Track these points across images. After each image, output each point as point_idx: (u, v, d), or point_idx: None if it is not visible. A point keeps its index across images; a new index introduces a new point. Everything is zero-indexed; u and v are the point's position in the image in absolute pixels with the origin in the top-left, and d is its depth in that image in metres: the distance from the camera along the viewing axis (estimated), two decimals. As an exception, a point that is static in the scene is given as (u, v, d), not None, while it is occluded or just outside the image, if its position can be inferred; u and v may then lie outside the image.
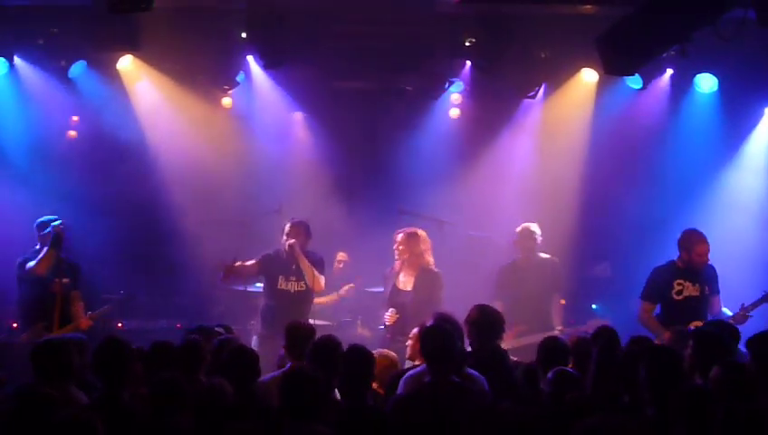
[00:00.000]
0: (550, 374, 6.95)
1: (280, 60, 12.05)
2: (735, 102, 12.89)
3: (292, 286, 10.79)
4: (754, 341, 7.21)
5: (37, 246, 10.52)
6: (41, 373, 6.98)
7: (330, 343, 7.50)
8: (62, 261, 10.45)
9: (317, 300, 11.46)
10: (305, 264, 10.76)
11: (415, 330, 8.46)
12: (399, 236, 10.81)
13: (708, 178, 12.99)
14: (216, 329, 8.54)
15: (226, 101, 12.92)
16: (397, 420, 6.14)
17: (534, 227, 11.50)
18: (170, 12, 11.19)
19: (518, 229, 11.56)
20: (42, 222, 10.60)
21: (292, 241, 10.72)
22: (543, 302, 11.33)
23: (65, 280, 10.40)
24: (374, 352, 7.71)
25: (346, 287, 12.38)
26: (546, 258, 11.53)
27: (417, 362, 8.12)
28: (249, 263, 10.82)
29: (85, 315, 10.50)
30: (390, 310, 10.64)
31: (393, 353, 8.50)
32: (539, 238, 11.46)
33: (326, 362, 7.19)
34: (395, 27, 12.16)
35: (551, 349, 7.65)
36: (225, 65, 12.57)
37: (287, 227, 10.83)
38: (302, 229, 10.80)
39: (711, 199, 12.81)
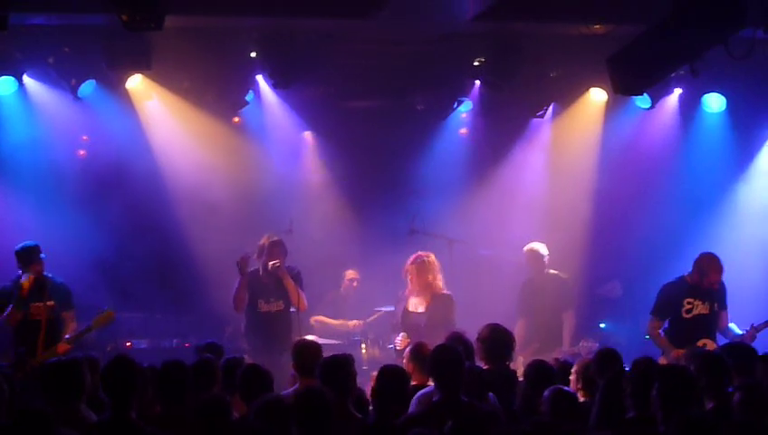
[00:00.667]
0: (546, 393, 6.94)
1: (290, 79, 12.07)
2: (744, 122, 12.92)
3: (272, 307, 10.82)
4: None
5: (20, 274, 10.23)
6: (50, 393, 6.97)
7: (341, 360, 7.51)
8: (46, 282, 10.23)
9: (331, 321, 11.48)
10: (291, 285, 10.77)
11: (407, 349, 8.45)
12: (409, 266, 10.79)
13: (717, 197, 13.00)
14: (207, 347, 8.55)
15: (235, 122, 12.92)
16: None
17: (539, 247, 11.54)
18: (180, 31, 11.20)
19: (524, 250, 11.59)
20: (18, 250, 10.32)
21: (277, 262, 10.68)
22: (554, 319, 11.41)
23: (49, 303, 10.17)
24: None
25: (354, 323, 12.33)
26: (556, 275, 11.57)
27: (414, 382, 8.12)
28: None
29: (63, 339, 10.09)
30: (402, 334, 10.63)
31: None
32: (545, 257, 11.50)
33: (337, 380, 7.18)
34: (404, 46, 12.19)
35: (538, 371, 7.63)
36: (235, 85, 12.57)
37: (266, 246, 10.76)
38: (283, 248, 10.77)
39: (720, 218, 12.81)
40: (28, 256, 10.23)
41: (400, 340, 10.59)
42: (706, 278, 10.37)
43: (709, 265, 10.41)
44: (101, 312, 10.19)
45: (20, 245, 10.34)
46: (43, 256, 10.27)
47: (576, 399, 7.07)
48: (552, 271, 11.58)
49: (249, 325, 10.96)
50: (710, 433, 5.91)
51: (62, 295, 10.33)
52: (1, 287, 10.33)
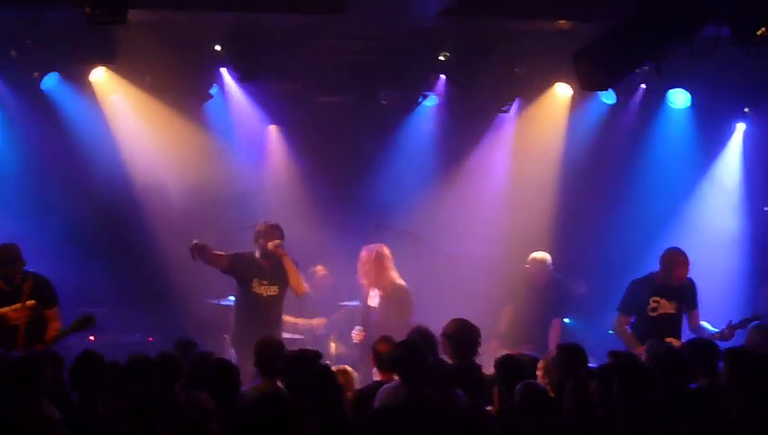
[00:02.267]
0: (518, 387, 6.95)
1: (255, 73, 12.02)
2: (708, 118, 13.00)
3: (265, 290, 10.65)
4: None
5: None
6: (10, 387, 6.90)
7: (305, 357, 7.49)
8: (27, 280, 9.69)
9: (296, 320, 11.48)
10: (291, 266, 10.59)
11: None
12: (362, 255, 10.79)
13: (682, 192, 13.07)
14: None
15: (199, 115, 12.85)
16: (373, 432, 6.11)
17: (544, 256, 11.56)
18: (144, 24, 11.13)
19: (529, 259, 11.59)
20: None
21: (279, 242, 10.54)
22: (546, 321, 11.49)
23: (29, 302, 9.59)
24: (334, 367, 7.72)
25: (317, 321, 12.26)
26: (560, 280, 11.62)
27: (378, 378, 8.12)
28: (218, 252, 10.62)
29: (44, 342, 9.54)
30: (357, 328, 10.64)
31: (349, 369, 8.46)
32: (550, 266, 11.57)
33: (301, 377, 7.16)
34: (371, 41, 12.19)
35: (509, 366, 7.64)
36: (199, 78, 12.51)
37: (263, 229, 10.61)
38: (280, 231, 10.61)
39: (685, 214, 12.88)
40: (8, 259, 9.69)
41: (356, 333, 10.62)
42: (672, 273, 10.42)
43: (674, 259, 10.46)
44: (82, 316, 9.70)
45: None
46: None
47: (547, 394, 7.07)
48: (556, 275, 11.62)
49: (240, 310, 10.73)
50: (661, 423, 5.97)
51: (43, 292, 9.77)
52: None
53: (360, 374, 9.58)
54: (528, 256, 11.68)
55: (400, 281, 10.75)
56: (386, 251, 10.81)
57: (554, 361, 7.79)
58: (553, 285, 11.62)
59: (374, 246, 10.84)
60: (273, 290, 10.65)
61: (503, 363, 7.59)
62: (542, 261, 11.55)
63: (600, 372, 7.07)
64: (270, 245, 10.52)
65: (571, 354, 7.71)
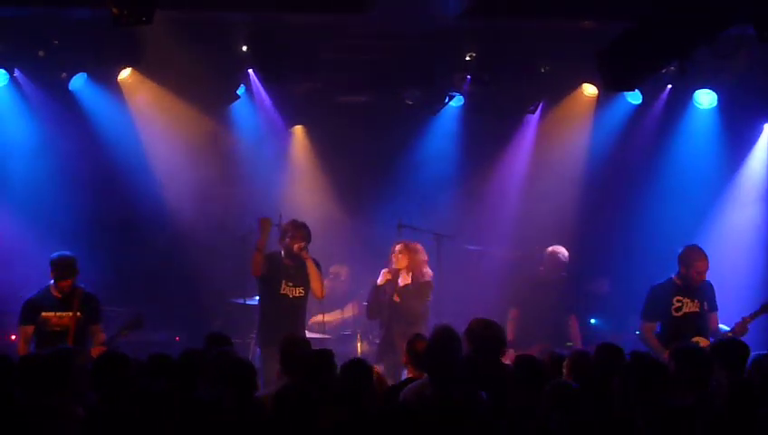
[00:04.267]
0: (548, 388, 6.94)
1: (280, 73, 12.06)
2: (735, 118, 12.93)
3: (291, 292, 10.68)
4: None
5: (50, 284, 10.03)
6: (36, 386, 6.96)
7: (324, 356, 7.53)
8: (77, 293, 10.02)
9: (322, 317, 11.50)
10: (314, 270, 10.63)
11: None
12: (398, 246, 10.85)
13: (707, 193, 13.01)
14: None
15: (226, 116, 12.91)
16: (397, 431, 6.13)
17: (560, 249, 11.56)
18: (171, 25, 11.18)
19: (546, 251, 11.59)
20: (51, 259, 10.02)
21: (303, 244, 10.55)
22: (561, 318, 11.48)
23: (78, 314, 9.94)
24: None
25: (348, 311, 12.30)
26: (568, 277, 11.61)
27: (410, 375, 8.13)
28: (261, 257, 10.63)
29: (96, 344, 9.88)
30: (384, 270, 10.81)
31: (379, 370, 8.49)
32: (565, 261, 11.57)
33: (320, 376, 7.19)
34: (396, 41, 12.19)
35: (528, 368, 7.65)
36: (226, 78, 12.56)
37: (290, 228, 10.60)
38: (306, 232, 10.62)
39: (711, 215, 12.82)
40: (62, 268, 9.97)
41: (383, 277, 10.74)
42: (693, 268, 10.35)
43: (693, 254, 10.41)
44: (132, 317, 10.12)
45: (57, 254, 10.07)
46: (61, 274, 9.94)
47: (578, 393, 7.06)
48: (566, 272, 11.62)
49: (267, 310, 10.71)
50: (688, 425, 5.96)
51: (91, 308, 10.09)
52: (31, 300, 10.06)
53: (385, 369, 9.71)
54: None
55: (430, 277, 10.82)
56: (422, 248, 10.99)
57: (581, 358, 7.77)
58: (566, 282, 11.60)
59: (413, 242, 10.93)
60: (299, 291, 10.66)
61: (520, 364, 7.61)
62: (553, 254, 11.54)
63: (621, 371, 7.06)
64: (295, 247, 10.55)
65: (610, 355, 7.68)
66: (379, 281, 10.88)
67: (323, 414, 6.41)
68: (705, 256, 10.40)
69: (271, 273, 10.61)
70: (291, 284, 10.63)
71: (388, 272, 10.91)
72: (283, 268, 10.63)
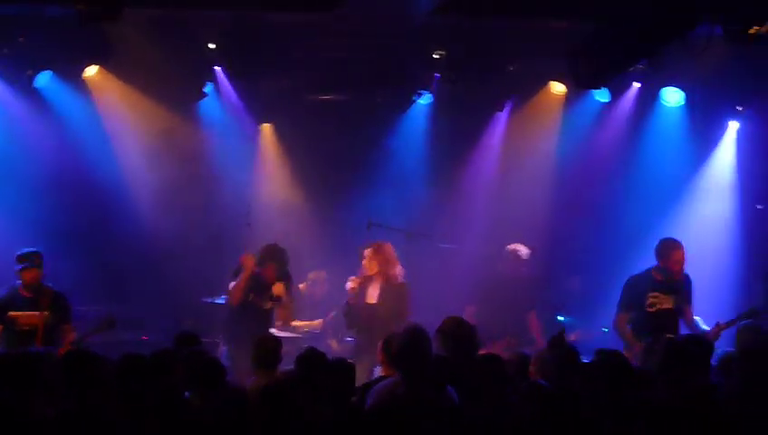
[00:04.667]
0: (524, 386, 6.96)
1: (248, 70, 12.02)
2: (701, 116, 13.03)
3: (264, 304, 10.71)
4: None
5: (18, 283, 9.95)
6: (6, 385, 6.89)
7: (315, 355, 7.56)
8: (46, 292, 9.95)
9: (299, 323, 11.51)
10: (288, 304, 10.81)
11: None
12: (367, 251, 10.82)
13: (675, 190, 13.08)
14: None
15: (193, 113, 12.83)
16: (370, 431, 6.11)
17: (520, 248, 11.57)
18: (138, 22, 11.12)
19: (506, 249, 11.60)
20: (19, 255, 9.93)
21: (282, 293, 10.64)
22: (522, 316, 11.47)
23: (47, 313, 9.86)
24: None
25: (316, 323, 12.26)
26: (528, 276, 11.62)
27: (383, 374, 8.13)
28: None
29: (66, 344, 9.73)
30: (352, 278, 10.74)
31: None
32: (525, 259, 11.57)
33: (311, 375, 7.20)
34: (365, 39, 12.16)
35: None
36: (193, 76, 12.50)
37: (267, 254, 10.66)
38: (279, 257, 10.68)
39: (678, 212, 12.90)
40: (26, 258, 9.90)
41: (350, 284, 10.69)
42: (671, 260, 10.39)
43: (669, 245, 10.47)
44: (104, 318, 10.08)
45: (23, 249, 9.98)
46: (25, 265, 9.88)
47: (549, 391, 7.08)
48: (524, 269, 11.63)
49: (234, 312, 10.75)
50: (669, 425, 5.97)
51: (60, 307, 10.00)
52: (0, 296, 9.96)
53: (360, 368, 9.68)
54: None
55: (401, 277, 10.80)
56: (389, 246, 10.92)
57: (545, 356, 7.79)
58: (525, 279, 11.61)
59: (377, 242, 10.89)
60: (267, 304, 10.72)
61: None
62: (512, 252, 11.57)
63: (586, 370, 7.08)
64: (275, 290, 10.58)
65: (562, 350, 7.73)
66: (348, 290, 10.81)
67: (308, 412, 6.41)
68: (681, 245, 10.47)
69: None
70: (265, 295, 10.63)
71: (357, 279, 10.82)
72: (255, 282, 10.61)
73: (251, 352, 8.09)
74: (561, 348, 7.78)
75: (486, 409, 7.13)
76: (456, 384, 7.46)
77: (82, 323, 10.17)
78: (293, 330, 11.62)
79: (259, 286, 10.65)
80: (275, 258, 10.61)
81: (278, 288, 10.61)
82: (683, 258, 10.43)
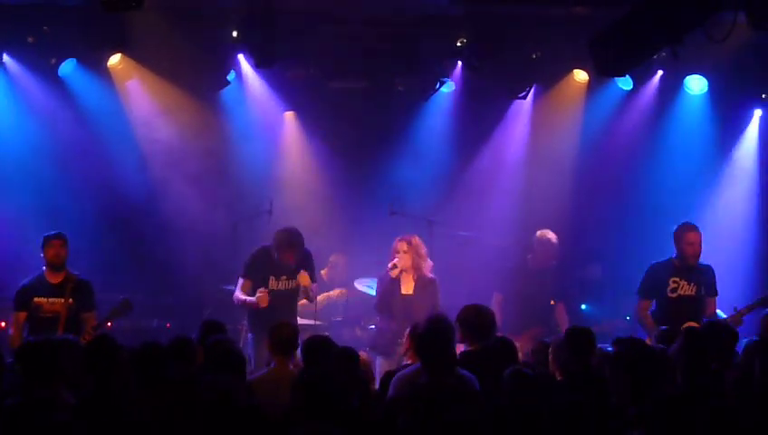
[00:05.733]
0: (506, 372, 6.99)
1: (271, 59, 12.02)
2: (725, 104, 12.94)
3: (283, 285, 10.67)
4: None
5: (43, 270, 10.04)
6: (28, 375, 6.95)
7: (322, 342, 7.57)
8: (71, 279, 10.01)
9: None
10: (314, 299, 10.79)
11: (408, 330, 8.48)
12: (401, 245, 10.77)
13: (698, 178, 13.02)
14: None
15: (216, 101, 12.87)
16: (393, 420, 6.14)
17: (551, 235, 11.55)
18: (161, 10, 11.17)
19: (536, 235, 11.59)
20: (44, 236, 10.07)
21: (306, 279, 10.55)
22: (549, 306, 11.48)
23: (70, 300, 9.93)
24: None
25: (338, 291, 12.29)
26: (556, 265, 11.61)
27: (409, 362, 8.15)
28: (245, 282, 10.66)
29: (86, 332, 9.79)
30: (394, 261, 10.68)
31: (363, 354, 8.50)
32: (556, 247, 11.55)
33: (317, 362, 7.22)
34: (387, 27, 12.16)
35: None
36: (216, 64, 12.52)
37: (284, 241, 10.50)
38: (295, 241, 10.57)
39: (702, 200, 12.84)
40: (51, 238, 10.01)
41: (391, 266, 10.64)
42: (683, 241, 10.36)
43: (682, 228, 10.46)
44: (119, 302, 10.07)
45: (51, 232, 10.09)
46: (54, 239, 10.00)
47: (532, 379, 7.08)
48: (554, 262, 11.61)
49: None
50: (686, 413, 5.96)
51: (84, 294, 10.06)
52: (25, 283, 10.06)
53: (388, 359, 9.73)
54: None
55: (430, 272, 10.81)
56: (420, 241, 10.86)
57: (562, 344, 7.80)
58: (555, 270, 11.61)
59: (409, 236, 10.87)
60: (292, 283, 10.66)
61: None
62: (542, 241, 11.55)
63: (611, 359, 7.07)
64: (301, 280, 10.51)
65: (578, 338, 7.73)
66: (393, 274, 10.78)
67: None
68: (695, 228, 10.44)
69: (257, 272, 10.62)
70: (284, 277, 10.61)
71: (396, 266, 10.80)
72: (272, 265, 10.61)
73: (269, 341, 8.10)
74: (577, 336, 7.79)
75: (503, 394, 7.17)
76: (476, 372, 7.49)
77: (105, 310, 10.21)
78: (315, 315, 11.64)
79: (280, 272, 10.62)
80: (292, 244, 10.54)
81: (304, 279, 10.54)
82: (696, 240, 10.39)
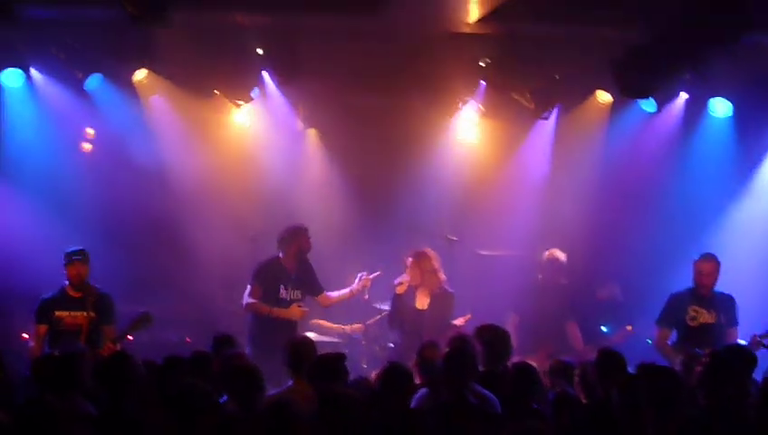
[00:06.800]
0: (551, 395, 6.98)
1: (294, 75, 12.08)
2: (749, 127, 12.85)
3: (291, 295, 10.75)
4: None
5: (65, 284, 10.14)
6: (45, 385, 6.99)
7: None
8: (92, 292, 10.13)
9: (330, 325, 11.59)
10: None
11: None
12: (409, 260, 10.83)
13: (722, 202, 12.95)
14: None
15: (239, 118, 12.93)
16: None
17: (559, 254, 11.54)
18: (187, 27, 11.22)
19: (545, 255, 11.57)
20: (66, 252, 10.17)
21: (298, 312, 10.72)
22: (562, 326, 11.45)
23: (91, 314, 10.04)
24: None
25: (352, 327, 12.16)
26: (566, 285, 11.58)
27: (417, 380, 8.15)
28: (256, 289, 10.76)
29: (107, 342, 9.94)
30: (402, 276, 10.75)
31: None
32: (564, 265, 11.52)
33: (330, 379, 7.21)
34: (411, 45, 12.19)
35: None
36: (241, 80, 12.58)
37: (298, 236, 10.75)
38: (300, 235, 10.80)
39: (725, 224, 12.77)
40: (73, 255, 10.11)
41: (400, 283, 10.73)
42: (696, 271, 10.35)
43: (699, 258, 10.45)
44: (140, 314, 10.12)
45: (72, 247, 10.18)
46: (76, 258, 10.09)
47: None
48: (565, 281, 11.59)
49: (255, 318, 10.81)
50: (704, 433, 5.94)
51: (105, 308, 10.16)
52: (47, 296, 10.17)
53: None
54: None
55: (446, 284, 10.79)
56: (432, 252, 10.95)
57: (591, 366, 7.77)
58: (566, 289, 11.60)
59: (420, 249, 10.88)
60: (297, 294, 10.75)
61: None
62: (551, 260, 11.58)
63: (629, 384, 7.05)
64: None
65: (608, 361, 7.70)
66: (398, 290, 10.83)
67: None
68: (711, 258, 10.44)
69: (268, 282, 10.72)
70: (291, 287, 10.69)
71: (406, 283, 10.84)
72: (282, 274, 10.68)
73: (285, 357, 8.00)
74: (607, 359, 7.75)
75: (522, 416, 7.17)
76: (493, 391, 7.49)
77: (125, 323, 10.26)
78: (328, 332, 11.67)
79: (289, 282, 10.70)
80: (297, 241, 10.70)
81: (296, 312, 10.71)
82: (712, 270, 10.40)
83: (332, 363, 7.50)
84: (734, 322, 10.48)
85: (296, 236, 10.85)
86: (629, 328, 11.54)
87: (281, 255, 10.84)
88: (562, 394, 7.04)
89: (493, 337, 8.18)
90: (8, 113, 12.53)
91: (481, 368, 8.05)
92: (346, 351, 9.44)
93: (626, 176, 13.00)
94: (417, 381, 8.14)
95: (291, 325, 10.60)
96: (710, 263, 10.41)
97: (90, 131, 12.71)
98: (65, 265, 10.14)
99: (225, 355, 7.92)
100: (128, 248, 12.52)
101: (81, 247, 10.22)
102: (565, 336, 11.47)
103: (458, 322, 10.50)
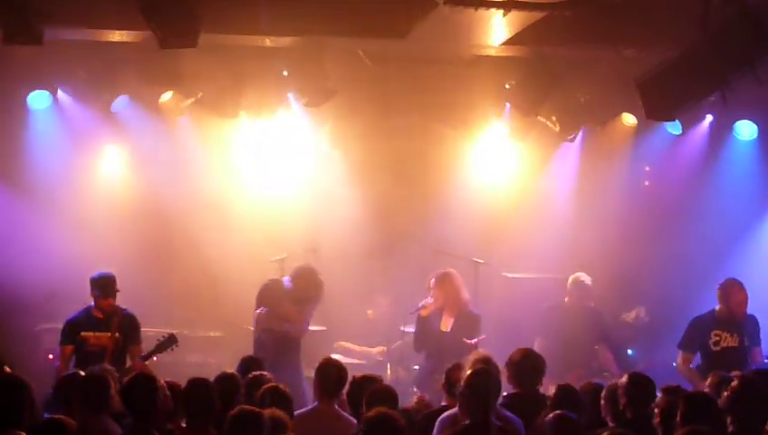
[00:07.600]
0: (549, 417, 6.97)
1: (320, 98, 12.10)
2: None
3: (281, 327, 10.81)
4: None
5: (91, 305, 10.22)
6: (73, 404, 7.01)
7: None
8: (117, 313, 10.18)
9: (355, 347, 11.56)
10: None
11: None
12: (432, 282, 10.82)
13: (747, 225, 12.90)
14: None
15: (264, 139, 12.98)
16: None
17: (585, 278, 11.50)
18: (213, 49, 11.27)
19: (570, 279, 11.55)
20: (93, 280, 10.20)
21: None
22: (589, 349, 11.40)
23: (117, 335, 10.09)
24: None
25: (378, 350, 12.24)
26: (594, 308, 11.54)
27: (443, 403, 8.12)
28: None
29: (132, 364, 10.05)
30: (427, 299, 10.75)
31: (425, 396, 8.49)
32: (589, 289, 11.49)
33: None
34: (436, 68, 12.22)
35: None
36: (266, 102, 12.61)
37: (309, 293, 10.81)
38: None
39: (751, 247, 12.72)
40: (103, 287, 10.13)
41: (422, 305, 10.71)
42: (732, 301, 10.31)
43: (729, 287, 10.41)
44: (165, 336, 10.25)
45: (98, 273, 10.23)
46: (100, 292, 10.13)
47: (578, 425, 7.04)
48: (591, 303, 11.56)
49: (258, 341, 10.89)
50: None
51: (130, 329, 10.22)
52: (73, 317, 10.25)
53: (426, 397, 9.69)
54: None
55: (471, 305, 10.78)
56: (454, 273, 10.93)
57: (618, 390, 7.73)
58: (593, 312, 11.56)
59: (442, 271, 10.89)
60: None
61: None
62: (576, 283, 11.51)
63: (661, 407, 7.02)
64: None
65: (638, 385, 7.65)
66: (423, 313, 10.83)
67: None
68: (742, 287, 10.40)
69: (271, 300, 10.79)
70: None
71: (430, 305, 10.83)
72: (282, 296, 10.74)
73: (316, 379, 8.03)
74: (638, 383, 7.71)
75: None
76: (523, 416, 7.45)
77: (150, 344, 10.30)
78: (354, 354, 11.65)
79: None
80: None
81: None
82: (744, 300, 10.38)
83: (388, 393, 7.60)
84: (757, 341, 10.47)
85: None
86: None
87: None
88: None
89: (525, 361, 8.12)
90: (35, 135, 12.59)
91: (511, 390, 8.02)
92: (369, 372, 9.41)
93: (651, 198, 12.99)
94: (444, 403, 8.13)
95: (295, 345, 10.71)
96: (744, 292, 10.38)
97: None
98: (91, 287, 10.17)
99: (254, 376, 7.93)
100: (150, 271, 12.55)
101: (107, 273, 10.24)
102: (594, 359, 11.40)
103: (472, 341, 10.45)
